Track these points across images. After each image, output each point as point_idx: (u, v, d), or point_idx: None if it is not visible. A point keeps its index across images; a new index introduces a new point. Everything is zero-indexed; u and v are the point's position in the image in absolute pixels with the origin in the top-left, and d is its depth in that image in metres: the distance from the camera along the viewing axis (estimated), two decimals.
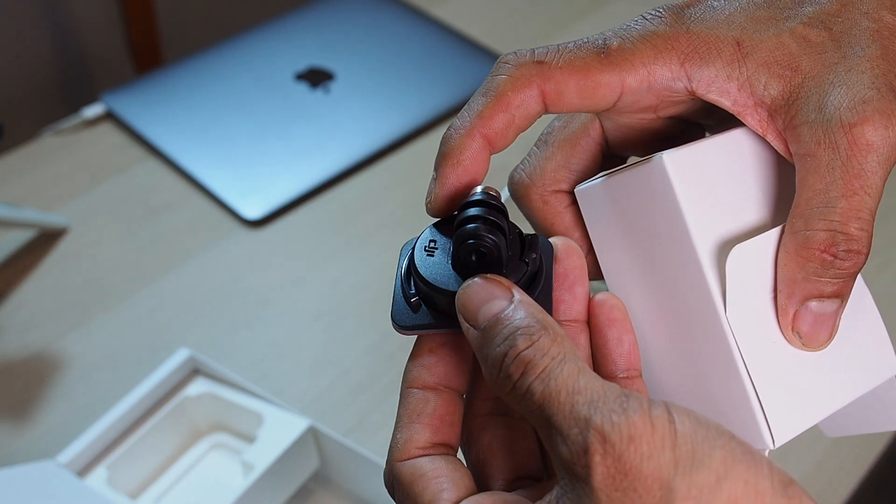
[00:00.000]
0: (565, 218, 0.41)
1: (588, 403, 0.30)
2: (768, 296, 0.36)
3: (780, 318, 0.36)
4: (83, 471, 0.63)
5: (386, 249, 0.81)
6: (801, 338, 0.36)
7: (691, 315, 0.36)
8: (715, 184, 0.36)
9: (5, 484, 0.60)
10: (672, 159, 0.36)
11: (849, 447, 0.70)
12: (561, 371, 0.31)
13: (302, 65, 0.97)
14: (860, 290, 0.38)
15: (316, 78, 0.96)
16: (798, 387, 0.36)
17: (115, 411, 0.64)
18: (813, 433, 0.75)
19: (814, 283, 0.35)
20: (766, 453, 0.35)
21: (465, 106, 0.37)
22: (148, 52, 1.13)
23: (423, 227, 0.37)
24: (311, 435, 0.65)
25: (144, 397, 0.65)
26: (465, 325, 0.33)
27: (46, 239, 0.82)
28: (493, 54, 0.99)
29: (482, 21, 1.05)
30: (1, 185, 0.86)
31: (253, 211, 0.84)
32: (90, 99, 1.06)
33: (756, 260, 0.35)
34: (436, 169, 0.37)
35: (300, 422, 0.64)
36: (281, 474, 0.63)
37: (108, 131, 0.92)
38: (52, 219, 0.81)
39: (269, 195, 0.85)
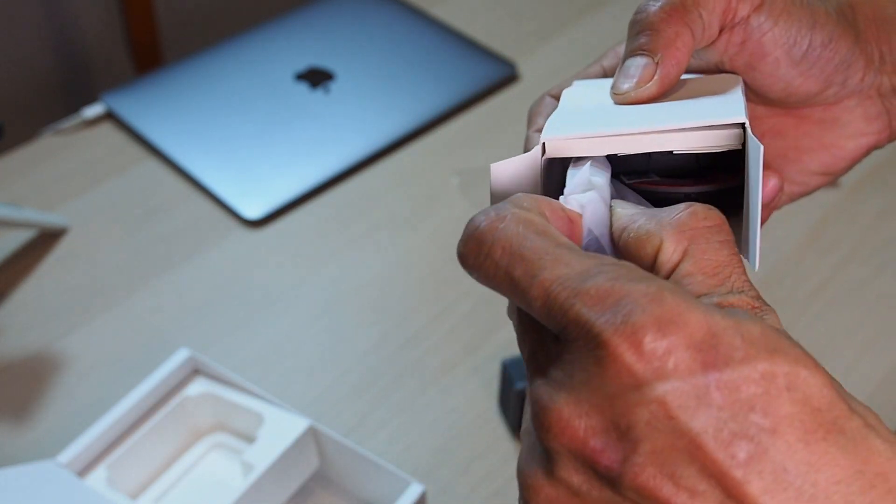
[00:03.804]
0: None
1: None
2: None
3: None
4: (83, 471, 0.63)
5: (386, 249, 0.81)
6: None
7: None
8: None
9: (5, 484, 0.60)
10: None
11: None
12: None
13: (302, 65, 0.97)
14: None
15: (316, 78, 0.96)
16: None
17: (115, 411, 0.64)
18: None
19: None
20: None
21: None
22: (148, 52, 1.13)
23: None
24: (311, 435, 0.65)
25: (144, 397, 0.65)
26: None
27: (46, 239, 0.82)
28: (494, 54, 0.99)
29: (482, 21, 1.05)
30: (1, 185, 0.86)
31: (253, 211, 0.84)
32: (90, 99, 1.06)
33: None
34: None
35: (300, 422, 0.64)
36: (281, 474, 0.63)
37: (108, 131, 0.92)
38: (52, 219, 0.81)
39: (269, 195, 0.85)
